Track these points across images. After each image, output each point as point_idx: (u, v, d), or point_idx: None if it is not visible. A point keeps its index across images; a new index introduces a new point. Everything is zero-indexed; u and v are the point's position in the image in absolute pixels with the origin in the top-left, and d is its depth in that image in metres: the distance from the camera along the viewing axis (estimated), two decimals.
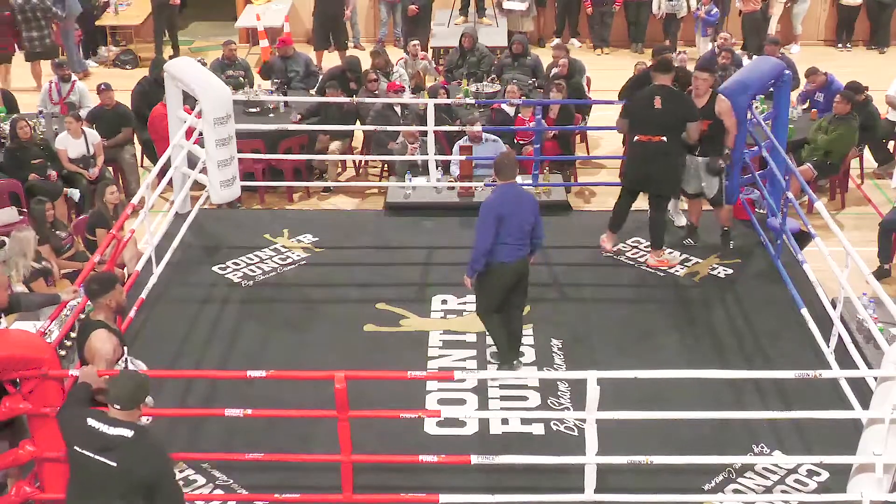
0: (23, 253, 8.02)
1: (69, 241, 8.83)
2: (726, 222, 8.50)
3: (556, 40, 15.47)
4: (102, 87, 10.87)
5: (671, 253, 8.39)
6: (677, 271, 8.25)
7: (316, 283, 8.11)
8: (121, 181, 10.57)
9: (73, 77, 11.73)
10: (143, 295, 7.58)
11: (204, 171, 8.70)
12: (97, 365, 5.32)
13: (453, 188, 9.37)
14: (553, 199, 9.32)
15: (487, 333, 7.01)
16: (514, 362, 6.91)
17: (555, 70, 11.46)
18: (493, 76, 11.88)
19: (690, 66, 12.03)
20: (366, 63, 11.84)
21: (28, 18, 13.21)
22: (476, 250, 6.60)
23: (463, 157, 9.48)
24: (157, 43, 14.65)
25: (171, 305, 7.73)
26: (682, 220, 8.89)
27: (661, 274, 8.22)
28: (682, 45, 14.90)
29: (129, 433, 4.49)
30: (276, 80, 11.76)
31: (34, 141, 9.95)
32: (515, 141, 10.38)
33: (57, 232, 8.75)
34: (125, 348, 5.60)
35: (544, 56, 13.02)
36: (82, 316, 6.57)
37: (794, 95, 10.68)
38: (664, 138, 7.83)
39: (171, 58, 12.32)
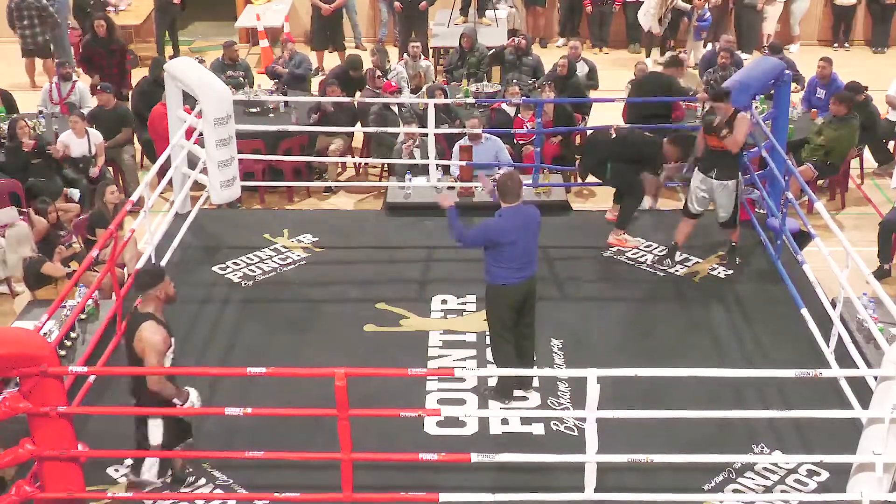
0: (20, 244, 8.05)
1: (68, 239, 8.82)
2: (736, 238, 8.39)
3: (560, 40, 15.50)
4: (101, 87, 10.87)
5: (635, 239, 8.69)
6: (677, 271, 8.26)
7: (316, 283, 8.11)
8: (120, 181, 10.57)
9: (74, 77, 11.73)
10: None
11: (204, 171, 8.70)
12: (148, 357, 5.39)
13: (453, 188, 9.37)
14: (553, 199, 9.32)
15: (493, 361, 6.74)
16: (506, 400, 6.66)
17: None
18: (491, 63, 11.95)
19: (691, 69, 12.14)
20: (367, 62, 11.86)
21: (22, 16, 13.22)
22: (461, 236, 6.46)
23: (463, 163, 9.47)
24: (159, 43, 14.64)
25: (171, 305, 7.70)
26: None
27: (661, 274, 8.22)
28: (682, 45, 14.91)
29: None
30: (276, 81, 11.76)
31: (32, 138, 9.94)
32: (515, 141, 10.38)
33: (59, 232, 8.74)
34: (173, 339, 5.62)
35: (545, 56, 13.03)
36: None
37: (796, 97, 10.69)
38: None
39: (171, 58, 12.33)
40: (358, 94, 11.14)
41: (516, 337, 6.62)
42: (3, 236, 8.91)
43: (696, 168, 8.13)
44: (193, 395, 5.66)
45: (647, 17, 14.61)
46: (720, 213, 8.15)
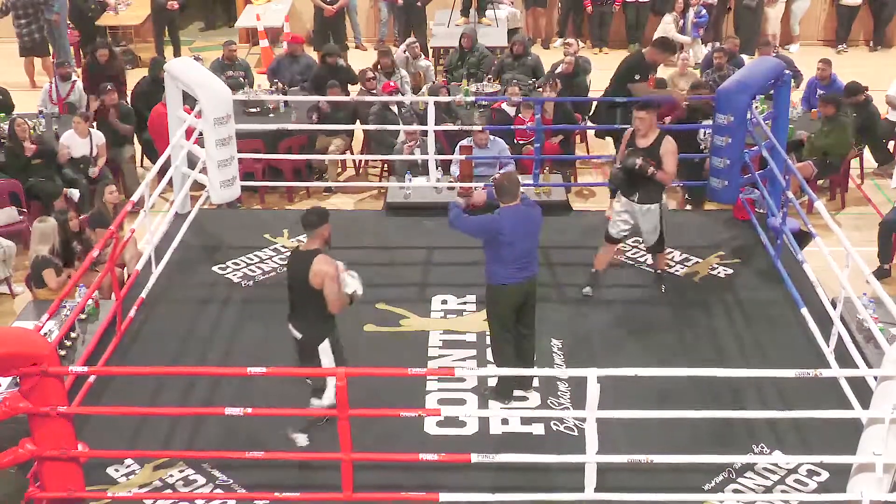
0: (43, 241, 8.02)
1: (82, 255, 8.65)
2: (662, 266, 7.97)
3: (560, 40, 15.50)
4: (109, 87, 10.83)
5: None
6: (677, 271, 8.25)
7: None
8: (121, 182, 10.56)
9: (74, 77, 11.72)
10: (143, 295, 7.60)
11: (204, 171, 8.70)
12: (328, 285, 5.89)
13: (453, 188, 9.36)
14: (553, 199, 9.31)
15: (494, 362, 6.75)
16: (506, 401, 6.65)
17: (560, 68, 11.50)
18: (492, 76, 11.89)
19: (691, 68, 12.14)
20: (369, 62, 11.87)
21: (18, 15, 13.23)
22: (457, 217, 6.47)
23: (463, 157, 9.47)
24: (158, 45, 14.63)
25: (171, 305, 7.73)
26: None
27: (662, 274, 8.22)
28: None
29: None
30: (276, 81, 11.76)
31: (32, 141, 9.93)
32: (515, 141, 10.38)
33: (73, 244, 8.62)
34: (339, 264, 6.08)
35: (545, 57, 13.02)
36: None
37: (796, 97, 10.68)
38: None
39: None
40: (352, 90, 11.16)
41: (516, 337, 6.63)
42: (6, 237, 8.94)
43: (618, 191, 7.70)
44: (356, 285, 6.08)
45: (666, 34, 14.67)
46: (646, 238, 7.71)
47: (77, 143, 10.08)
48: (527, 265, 6.43)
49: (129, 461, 6.08)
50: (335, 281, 5.93)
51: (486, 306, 6.63)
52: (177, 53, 14.50)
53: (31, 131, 9.94)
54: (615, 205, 7.80)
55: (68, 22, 14.23)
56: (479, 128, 9.59)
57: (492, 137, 9.67)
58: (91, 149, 10.13)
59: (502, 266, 6.36)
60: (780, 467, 6.05)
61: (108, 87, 10.84)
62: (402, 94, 10.99)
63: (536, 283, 6.64)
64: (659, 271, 8.01)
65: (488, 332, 6.79)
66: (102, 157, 10.24)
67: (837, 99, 10.12)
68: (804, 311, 7.28)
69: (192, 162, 8.94)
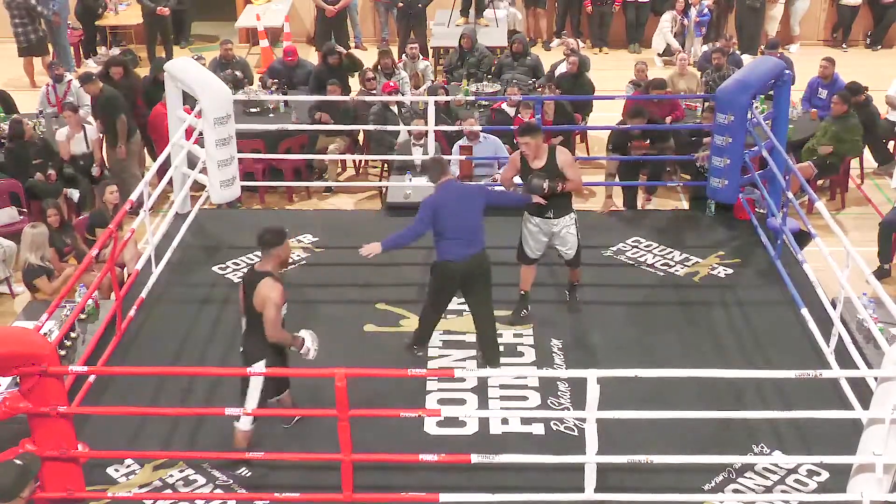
0: (34, 248, 8.00)
1: (70, 250, 8.64)
2: (577, 278, 7.69)
3: (557, 41, 15.51)
4: (83, 77, 10.73)
5: None
6: (677, 271, 8.26)
7: (316, 283, 8.11)
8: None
9: (69, 76, 11.67)
10: (143, 295, 7.60)
11: (204, 170, 8.70)
12: (267, 310, 5.74)
13: None
14: None
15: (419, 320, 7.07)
16: (416, 349, 7.09)
17: (563, 68, 11.50)
18: (491, 76, 11.89)
19: (691, 68, 12.14)
20: (369, 62, 11.88)
21: (14, 14, 13.25)
22: (400, 236, 6.73)
23: (462, 157, 9.47)
24: (150, 51, 14.56)
25: (171, 305, 7.73)
26: None
27: (661, 274, 8.22)
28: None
29: None
30: (275, 81, 11.74)
31: (34, 141, 9.93)
32: (515, 141, 10.34)
33: (63, 237, 8.63)
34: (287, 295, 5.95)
35: (545, 57, 13.02)
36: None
37: (796, 96, 10.69)
38: None
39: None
40: (352, 91, 11.15)
41: (475, 320, 6.88)
42: (6, 236, 8.92)
43: (527, 212, 7.27)
44: (309, 341, 5.98)
45: (664, 35, 14.70)
46: (565, 252, 7.36)
47: (74, 139, 10.06)
48: (472, 241, 6.63)
49: (129, 461, 6.08)
50: (276, 308, 5.75)
51: (430, 280, 6.88)
52: (169, 57, 14.45)
53: (33, 131, 9.93)
54: (527, 226, 7.30)
55: (69, 22, 14.23)
56: (475, 128, 9.54)
57: (484, 135, 9.66)
58: (86, 143, 10.10)
59: (445, 241, 6.59)
60: (780, 467, 6.05)
61: (82, 77, 10.42)
62: (402, 95, 10.99)
63: (486, 261, 6.75)
64: (575, 283, 7.69)
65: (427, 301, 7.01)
66: (99, 153, 10.19)
67: (850, 99, 10.06)
68: (804, 311, 7.28)
69: (192, 162, 8.94)
